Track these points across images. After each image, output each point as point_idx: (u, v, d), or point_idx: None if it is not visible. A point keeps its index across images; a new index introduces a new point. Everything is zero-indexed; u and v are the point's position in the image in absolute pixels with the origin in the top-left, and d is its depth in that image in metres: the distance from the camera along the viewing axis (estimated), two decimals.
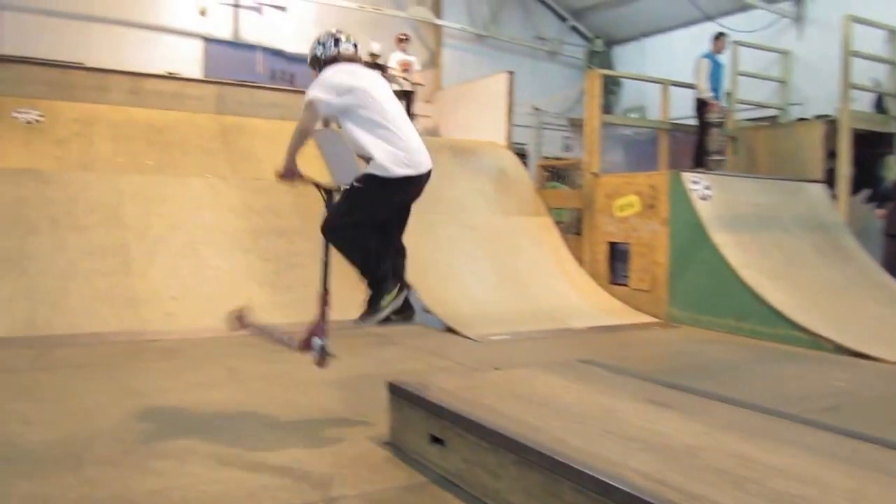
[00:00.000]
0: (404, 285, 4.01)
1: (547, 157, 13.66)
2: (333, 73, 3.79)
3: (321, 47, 3.98)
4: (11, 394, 4.96)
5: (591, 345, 7.39)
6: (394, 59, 11.40)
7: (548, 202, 10.92)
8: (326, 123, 7.96)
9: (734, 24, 12.31)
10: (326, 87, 3.72)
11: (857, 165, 10.33)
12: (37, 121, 8.71)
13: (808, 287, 8.45)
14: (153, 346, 6.53)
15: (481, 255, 9.25)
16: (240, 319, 4.24)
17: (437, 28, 13.98)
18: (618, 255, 9.91)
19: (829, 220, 9.90)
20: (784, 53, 12.21)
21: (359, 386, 5.40)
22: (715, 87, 10.15)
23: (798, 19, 12.35)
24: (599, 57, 15.40)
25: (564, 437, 3.17)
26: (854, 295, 8.62)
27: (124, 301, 7.16)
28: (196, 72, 11.57)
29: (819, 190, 10.25)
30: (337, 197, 4.04)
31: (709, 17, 13.17)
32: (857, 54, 10.31)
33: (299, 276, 7.70)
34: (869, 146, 10.60)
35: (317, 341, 4.18)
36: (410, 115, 11.41)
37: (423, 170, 3.87)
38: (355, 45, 3.99)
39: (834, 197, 10.22)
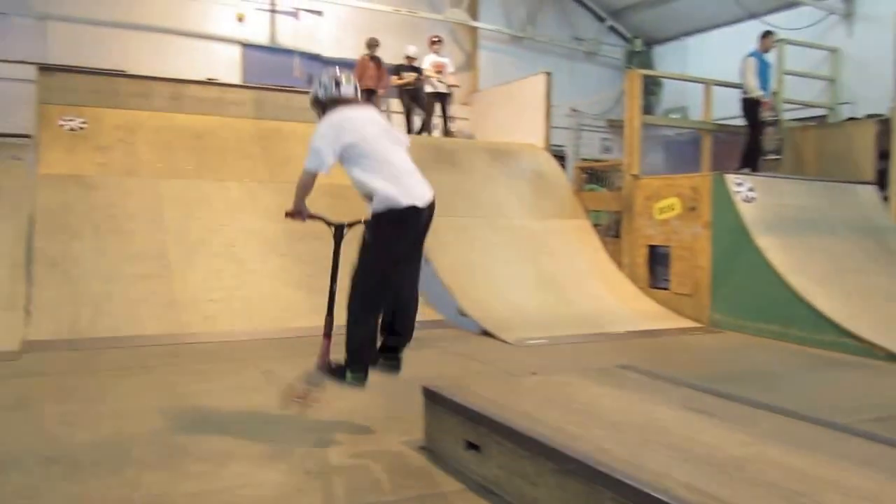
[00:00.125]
0: (398, 361, 4.16)
1: (585, 159, 13.52)
2: (333, 129, 3.90)
3: (322, 90, 4.08)
4: (55, 396, 5.05)
5: (631, 350, 7.26)
6: (427, 62, 11.40)
7: (586, 205, 10.80)
8: None
9: (780, 22, 12.00)
10: (327, 144, 3.85)
11: None
12: (81, 128, 8.90)
13: (857, 292, 8.17)
14: (192, 349, 6.59)
15: (518, 258, 9.17)
16: (298, 396, 4.22)
17: (474, 30, 13.93)
18: (658, 258, 9.74)
19: (881, 224, 9.57)
20: (833, 51, 11.85)
21: (394, 389, 5.34)
22: (762, 87, 9.90)
23: (847, 15, 11.99)
24: (639, 57, 15.18)
25: (605, 445, 3.08)
26: None
27: (164, 304, 7.26)
28: (235, 77, 11.72)
29: (870, 192, 9.92)
30: (345, 232, 4.19)
31: (753, 15, 12.87)
32: None
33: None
34: None
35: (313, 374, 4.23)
36: (446, 117, 11.46)
37: (425, 200, 3.92)
38: (356, 87, 4.12)
39: (885, 199, 9.88)
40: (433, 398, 4.00)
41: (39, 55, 10.33)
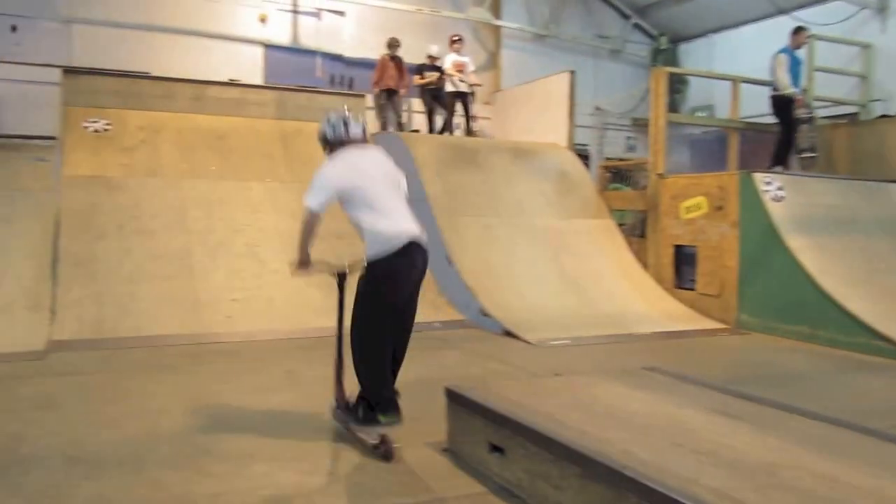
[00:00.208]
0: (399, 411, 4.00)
1: (609, 159, 13.39)
2: (337, 175, 3.94)
3: (331, 129, 4.11)
4: (78, 395, 5.09)
5: (656, 351, 7.16)
6: (448, 61, 11.36)
7: (610, 204, 10.68)
8: None
9: (810, 17, 11.75)
10: (328, 189, 3.90)
11: None
12: (105, 129, 9.00)
13: (890, 294, 7.97)
14: (214, 349, 6.62)
15: (541, 259, 9.09)
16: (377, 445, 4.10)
17: (496, 29, 13.86)
18: (684, 258, 9.60)
19: None
20: (865, 47, 11.59)
21: (417, 390, 5.29)
22: (794, 84, 9.70)
23: (881, 10, 11.70)
24: (664, 55, 14.99)
25: (631, 449, 3.03)
26: None
27: (187, 304, 7.30)
28: (257, 78, 11.76)
29: None
30: (347, 277, 4.18)
31: (782, 11, 12.64)
32: None
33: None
34: None
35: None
36: (468, 116, 11.40)
37: (415, 238, 3.90)
38: (364, 127, 4.15)
39: None
40: (456, 399, 3.97)
41: (64, 58, 10.46)
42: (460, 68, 11.28)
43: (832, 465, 2.90)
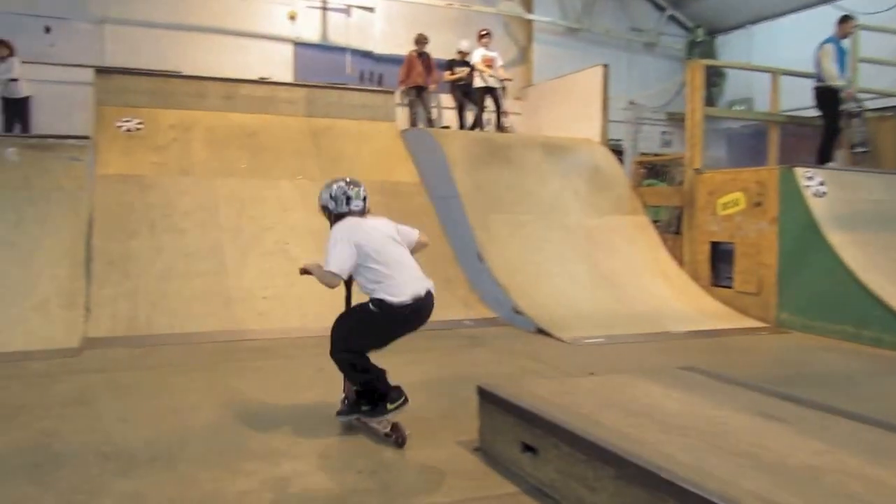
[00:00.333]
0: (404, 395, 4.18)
1: (644, 154, 13.17)
2: (347, 229, 4.08)
3: (333, 202, 4.22)
4: (112, 392, 5.14)
5: (692, 350, 7.00)
6: (477, 56, 11.27)
7: (645, 200, 10.52)
8: None
9: (854, 6, 11.37)
10: (345, 242, 4.01)
11: None
12: (137, 128, 9.11)
13: None
14: (246, 346, 6.65)
15: (574, 256, 8.98)
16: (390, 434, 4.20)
17: (528, 23, 13.72)
18: (721, 255, 9.40)
19: None
20: None
21: (448, 388, 5.30)
22: (841, 75, 9.38)
23: None
24: (701, 47, 14.72)
25: (668, 450, 2.96)
26: None
27: (219, 301, 7.35)
28: (287, 76, 11.81)
29: None
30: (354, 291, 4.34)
31: (824, 0, 12.32)
32: None
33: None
34: None
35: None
36: (499, 112, 11.30)
37: (420, 295, 4.03)
38: (365, 199, 4.24)
39: None
40: (488, 398, 3.92)
41: (97, 58, 10.60)
42: (489, 63, 11.19)
43: (879, 469, 2.80)
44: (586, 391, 4.00)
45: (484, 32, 11.40)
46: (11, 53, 9.54)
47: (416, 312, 4.04)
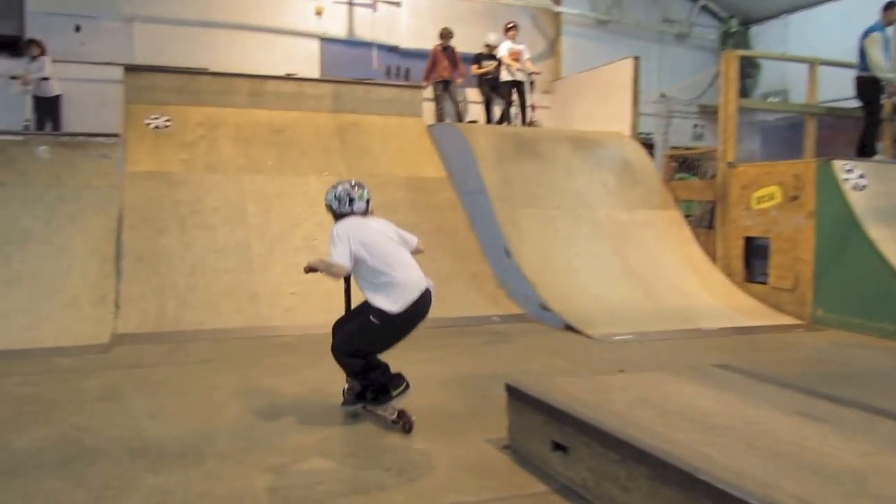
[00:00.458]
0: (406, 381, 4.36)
1: (675, 147, 12.98)
2: (346, 228, 4.23)
3: (336, 202, 4.39)
4: (141, 388, 5.17)
5: (725, 348, 6.86)
6: (503, 49, 11.15)
7: (676, 195, 10.36)
8: None
9: None
10: (344, 239, 4.17)
11: None
12: (165, 126, 9.17)
13: None
14: (273, 342, 6.66)
15: (603, 251, 8.86)
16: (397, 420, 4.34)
17: (556, 15, 13.59)
18: (755, 250, 9.22)
19: None
20: None
21: (476, 385, 5.24)
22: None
23: None
24: (734, 38, 14.45)
25: (704, 450, 2.89)
26: None
27: (246, 297, 7.37)
28: (313, 71, 11.85)
29: None
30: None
31: None
32: None
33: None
34: None
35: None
36: (524, 105, 11.17)
37: (416, 298, 4.16)
38: (368, 201, 4.42)
39: None
40: (517, 396, 3.86)
41: (126, 56, 10.74)
42: (516, 56, 11.06)
43: None
44: (617, 389, 3.91)
45: (510, 25, 11.28)
46: (43, 52, 9.68)
47: (416, 313, 4.18)
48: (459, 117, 11.37)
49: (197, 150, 9.03)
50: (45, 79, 9.66)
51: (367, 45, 12.26)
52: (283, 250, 7.93)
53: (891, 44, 9.34)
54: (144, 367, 5.74)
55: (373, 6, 12.30)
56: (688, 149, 13.01)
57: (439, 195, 9.38)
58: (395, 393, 4.23)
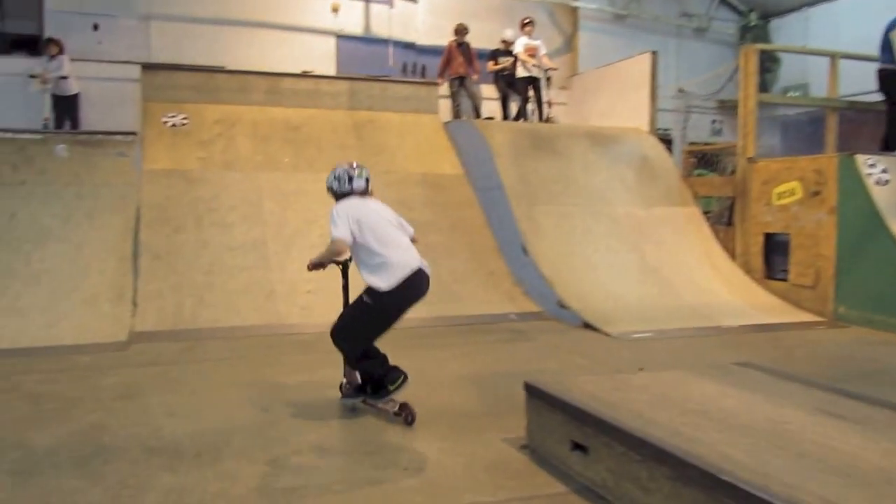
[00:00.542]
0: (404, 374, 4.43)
1: (694, 143, 12.84)
2: (345, 209, 4.35)
3: (336, 182, 4.52)
4: (159, 386, 5.18)
5: (746, 346, 6.77)
6: (520, 45, 11.07)
7: (695, 191, 10.25)
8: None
9: None
10: (344, 217, 4.30)
11: None
12: (182, 124, 9.21)
13: None
14: (290, 340, 6.65)
15: (621, 248, 8.78)
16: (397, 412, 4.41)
17: (574, 10, 13.48)
18: (775, 247, 9.10)
19: None
20: None
21: (494, 384, 5.20)
22: None
23: None
24: (754, 32, 14.26)
25: (727, 450, 2.85)
26: None
27: (263, 295, 7.38)
28: (329, 69, 11.83)
29: None
30: (349, 265, 4.61)
31: None
32: None
33: (431, 268, 7.63)
34: None
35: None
36: (540, 102, 11.08)
37: (408, 275, 4.25)
38: (367, 180, 4.53)
39: None
40: (536, 394, 3.82)
41: (143, 54, 10.79)
42: (532, 52, 10.98)
43: None
44: (637, 388, 3.85)
45: (527, 21, 11.20)
46: (61, 51, 9.74)
47: (407, 292, 4.26)
48: (477, 112, 11.30)
49: (214, 148, 9.06)
50: (64, 77, 9.72)
51: (384, 41, 12.23)
52: (299, 248, 7.92)
53: None
54: (162, 365, 5.76)
55: (389, 3, 12.26)
56: (706, 144, 12.86)
57: (456, 192, 9.34)
58: (392, 387, 4.32)
